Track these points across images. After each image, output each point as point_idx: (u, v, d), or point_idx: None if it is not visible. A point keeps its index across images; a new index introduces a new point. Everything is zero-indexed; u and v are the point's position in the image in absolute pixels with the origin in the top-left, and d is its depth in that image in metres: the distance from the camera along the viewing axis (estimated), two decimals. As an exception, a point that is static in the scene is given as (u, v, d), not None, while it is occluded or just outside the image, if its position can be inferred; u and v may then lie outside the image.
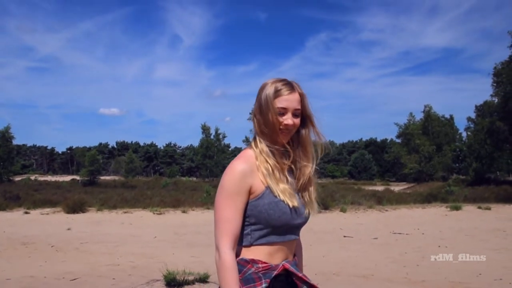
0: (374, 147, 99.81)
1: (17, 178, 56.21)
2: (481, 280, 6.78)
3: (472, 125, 55.19)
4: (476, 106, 54.57)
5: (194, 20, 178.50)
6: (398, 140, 64.14)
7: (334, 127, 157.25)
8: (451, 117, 65.57)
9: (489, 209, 17.07)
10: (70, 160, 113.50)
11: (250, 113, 1.78)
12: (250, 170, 1.59)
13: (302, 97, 1.66)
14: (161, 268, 6.58)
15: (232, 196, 1.54)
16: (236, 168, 1.58)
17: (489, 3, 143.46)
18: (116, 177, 69.98)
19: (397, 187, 45.16)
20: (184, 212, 17.84)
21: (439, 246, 10.14)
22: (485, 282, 6.65)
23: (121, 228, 14.11)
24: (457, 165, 51.16)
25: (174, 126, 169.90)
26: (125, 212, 17.46)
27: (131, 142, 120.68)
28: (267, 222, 1.56)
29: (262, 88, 1.66)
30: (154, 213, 17.23)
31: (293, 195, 1.60)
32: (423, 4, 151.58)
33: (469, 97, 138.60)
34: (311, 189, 1.71)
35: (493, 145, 35.47)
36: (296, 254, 1.79)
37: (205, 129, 61.80)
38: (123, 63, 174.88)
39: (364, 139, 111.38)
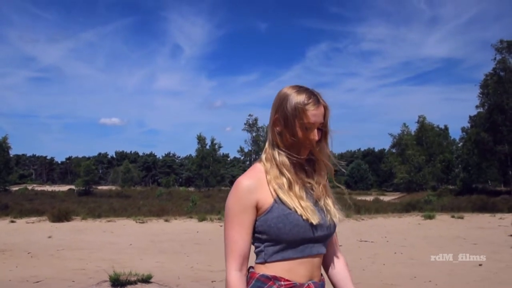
0: (372, 157, 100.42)
1: (15, 188, 56.79)
2: (413, 282, 7.30)
3: (465, 136, 55.84)
4: (470, 117, 55.28)
5: (195, 30, 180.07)
6: (395, 151, 64.73)
7: (334, 137, 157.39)
8: (446, 127, 66.20)
9: (462, 218, 17.53)
10: (69, 170, 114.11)
11: (267, 125, 1.67)
12: (256, 185, 1.53)
13: (325, 110, 1.59)
14: (117, 271, 7.12)
15: (237, 216, 1.51)
16: (240, 186, 1.52)
17: (489, 14, 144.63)
18: (114, 187, 70.46)
19: (388, 197, 45.63)
20: (166, 221, 18.33)
21: (395, 253, 10.66)
22: (415, 284, 7.16)
23: (101, 236, 14.60)
24: (445, 175, 51.58)
25: (174, 136, 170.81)
26: (108, 221, 17.96)
27: (130, 152, 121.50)
28: (278, 236, 1.49)
29: (285, 98, 1.56)
30: (136, 222, 17.73)
31: (315, 212, 1.51)
32: (423, 14, 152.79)
33: (469, 107, 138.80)
34: (329, 198, 1.63)
35: (480, 155, 36.07)
36: (337, 271, 1.71)
37: (200, 139, 62.45)
38: (124, 73, 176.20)
39: (362, 149, 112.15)
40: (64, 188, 64.87)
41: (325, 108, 1.58)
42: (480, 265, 8.85)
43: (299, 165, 1.59)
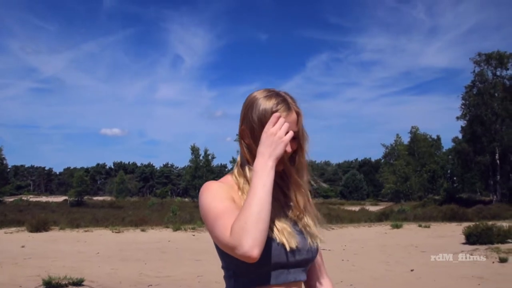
0: (368, 167, 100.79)
1: (10, 199, 57.42)
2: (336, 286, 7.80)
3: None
4: (462, 127, 56.01)
5: (196, 41, 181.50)
6: (392, 161, 65.28)
7: (335, 147, 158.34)
8: (438, 138, 66.73)
9: (429, 227, 18.04)
10: (66, 181, 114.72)
11: (236, 135, 1.51)
12: (231, 192, 1.35)
13: (298, 116, 1.39)
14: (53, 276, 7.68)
15: (221, 196, 1.31)
16: (212, 184, 1.36)
17: (488, 24, 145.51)
18: (109, 198, 71.01)
19: (377, 207, 46.07)
20: (143, 230, 18.82)
21: (342, 260, 11.16)
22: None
23: (73, 245, 15.10)
24: (431, 185, 52.16)
25: (175, 146, 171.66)
26: (85, 231, 18.45)
27: (128, 162, 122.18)
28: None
29: (251, 106, 1.38)
30: (113, 232, 18.23)
31: (292, 235, 1.33)
32: (423, 24, 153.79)
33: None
34: (310, 218, 1.42)
35: (462, 166, 36.69)
36: None
37: (194, 150, 63.05)
38: (125, 83, 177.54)
39: (359, 159, 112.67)
40: (60, 199, 65.43)
41: (298, 114, 1.39)
42: (411, 270, 9.37)
43: (275, 181, 1.31)
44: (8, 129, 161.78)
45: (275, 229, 1.31)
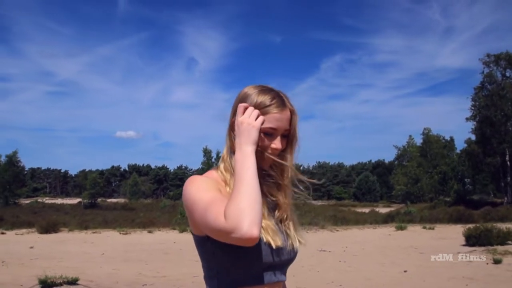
0: (382, 169, 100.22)
1: (26, 201, 58.44)
2: (327, 286, 7.99)
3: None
4: (471, 128, 55.56)
5: (210, 44, 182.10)
6: (405, 163, 64.95)
7: (349, 148, 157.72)
8: (451, 139, 66.18)
9: (433, 229, 18.05)
10: (81, 182, 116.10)
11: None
12: (219, 187, 1.32)
13: (292, 114, 1.38)
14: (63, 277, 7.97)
15: (208, 187, 1.28)
16: (197, 177, 1.33)
17: (504, 24, 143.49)
18: (123, 200, 71.72)
19: (386, 209, 45.89)
20: (150, 232, 19.17)
21: (339, 261, 11.30)
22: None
23: (80, 246, 15.46)
24: (442, 186, 51.83)
25: (189, 148, 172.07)
26: (94, 232, 18.87)
27: (142, 165, 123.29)
28: (234, 260, 1.26)
29: (244, 99, 1.37)
30: (120, 233, 18.60)
31: (276, 232, 1.31)
32: (438, 25, 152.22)
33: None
34: (291, 221, 1.42)
35: (472, 167, 36.46)
36: None
37: (206, 152, 63.26)
38: (139, 86, 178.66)
39: (373, 161, 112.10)
40: (75, 201, 66.23)
41: (292, 112, 1.39)
42: (405, 271, 9.48)
43: (262, 178, 1.33)
44: (25, 132, 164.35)
45: (263, 231, 1.27)
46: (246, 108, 1.32)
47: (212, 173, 1.40)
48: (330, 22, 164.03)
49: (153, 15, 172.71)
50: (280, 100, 1.35)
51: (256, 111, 1.31)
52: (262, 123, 1.30)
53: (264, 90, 1.37)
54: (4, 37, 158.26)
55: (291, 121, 1.37)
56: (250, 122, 1.28)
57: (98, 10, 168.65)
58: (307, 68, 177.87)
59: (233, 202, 1.13)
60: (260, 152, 1.32)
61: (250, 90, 1.38)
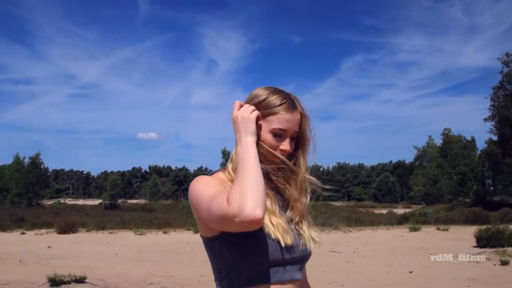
0: (402, 169, 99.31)
1: (49, 202, 59.78)
2: (330, 286, 8.11)
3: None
4: (490, 129, 54.68)
5: (230, 45, 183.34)
6: (425, 163, 64.29)
7: (370, 148, 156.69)
8: (473, 139, 65.20)
9: (447, 230, 17.93)
10: (102, 184, 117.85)
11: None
12: (225, 186, 1.31)
13: (302, 117, 1.40)
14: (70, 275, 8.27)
15: (213, 183, 1.30)
16: (204, 176, 1.35)
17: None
18: (143, 201, 72.64)
19: (404, 210, 45.59)
20: (165, 232, 19.47)
21: (347, 262, 11.38)
22: (326, 288, 7.97)
23: (96, 246, 15.81)
24: (461, 187, 51.09)
25: (209, 150, 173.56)
26: (110, 233, 19.25)
27: (163, 166, 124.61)
28: (243, 258, 1.27)
29: (255, 99, 1.40)
30: (136, 234, 18.93)
31: (287, 231, 1.30)
32: (461, 24, 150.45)
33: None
34: (305, 221, 1.42)
35: (492, 168, 35.97)
36: None
37: (225, 154, 63.65)
38: (160, 88, 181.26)
39: (393, 162, 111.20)
40: (96, 202, 67.32)
41: (302, 115, 1.40)
42: (410, 272, 9.53)
43: (270, 180, 1.38)
44: (49, 134, 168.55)
45: (270, 225, 1.28)
46: (241, 106, 1.37)
47: (218, 174, 1.42)
48: (351, 21, 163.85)
49: (173, 17, 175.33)
50: (291, 102, 1.37)
51: (252, 107, 1.35)
52: (258, 118, 1.34)
53: (274, 91, 1.40)
54: (28, 41, 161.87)
55: (301, 124, 1.39)
56: (244, 115, 1.31)
57: (119, 13, 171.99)
58: (328, 69, 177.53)
59: (235, 187, 1.15)
60: (263, 155, 1.34)
61: (261, 91, 1.41)
